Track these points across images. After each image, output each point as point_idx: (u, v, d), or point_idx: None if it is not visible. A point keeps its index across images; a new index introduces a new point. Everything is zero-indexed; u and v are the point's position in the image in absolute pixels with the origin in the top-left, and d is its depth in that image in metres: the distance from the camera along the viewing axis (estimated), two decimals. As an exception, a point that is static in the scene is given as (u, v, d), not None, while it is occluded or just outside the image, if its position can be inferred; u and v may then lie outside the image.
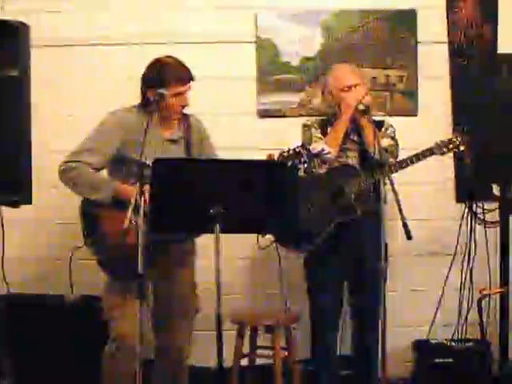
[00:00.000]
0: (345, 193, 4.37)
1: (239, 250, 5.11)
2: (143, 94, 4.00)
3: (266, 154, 4.09)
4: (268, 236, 4.44)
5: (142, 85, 4.01)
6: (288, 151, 3.68)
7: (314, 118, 4.68)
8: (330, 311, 4.52)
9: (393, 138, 4.49)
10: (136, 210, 3.43)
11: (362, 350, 4.59)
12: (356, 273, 4.50)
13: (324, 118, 4.66)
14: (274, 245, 4.62)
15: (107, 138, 3.93)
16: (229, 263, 4.98)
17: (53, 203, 5.07)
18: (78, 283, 4.95)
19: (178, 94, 3.93)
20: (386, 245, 3.82)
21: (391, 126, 4.56)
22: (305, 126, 4.60)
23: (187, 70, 3.98)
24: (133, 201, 3.38)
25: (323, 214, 4.40)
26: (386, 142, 4.40)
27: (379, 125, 4.40)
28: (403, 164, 4.34)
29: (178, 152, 4.06)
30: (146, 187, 3.45)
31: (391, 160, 4.38)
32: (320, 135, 4.51)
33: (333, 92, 4.51)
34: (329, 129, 4.51)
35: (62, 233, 5.09)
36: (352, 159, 4.48)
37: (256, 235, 4.50)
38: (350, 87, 4.43)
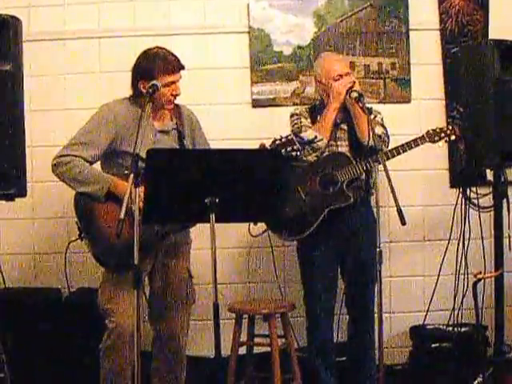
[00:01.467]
0: (337, 180, 4.39)
1: (235, 240, 5.13)
2: (134, 85, 4.01)
3: (260, 143, 4.10)
4: (260, 224, 4.47)
5: (133, 76, 4.02)
6: (281, 139, 3.69)
7: (302, 107, 4.69)
8: (324, 298, 4.53)
9: (382, 125, 4.50)
10: (131, 201, 3.45)
11: (357, 337, 4.60)
12: (349, 261, 4.52)
13: (311, 106, 4.68)
14: (267, 233, 4.64)
15: (100, 131, 3.94)
16: (225, 253, 5.03)
17: (48, 197, 5.08)
18: (74, 276, 4.98)
19: (169, 83, 3.94)
20: (379, 232, 3.84)
21: (379, 112, 4.58)
22: (294, 114, 4.60)
23: (177, 59, 4.00)
24: (127, 192, 3.38)
25: (316, 201, 4.42)
26: (379, 130, 4.42)
27: (367, 112, 4.40)
28: (395, 152, 4.37)
29: (170, 143, 4.08)
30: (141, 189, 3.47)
31: (383, 147, 4.40)
32: (310, 124, 4.52)
33: (323, 81, 4.51)
34: (318, 117, 4.52)
35: (58, 227, 5.10)
36: (343, 147, 4.49)
37: (248, 223, 4.52)
38: (341, 76, 4.44)
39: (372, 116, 4.47)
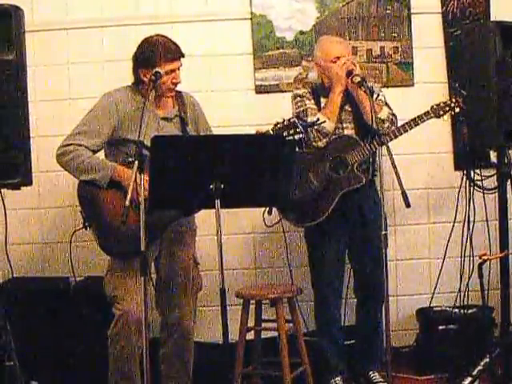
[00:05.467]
0: (347, 163, 4.40)
1: (241, 226, 5.15)
2: (136, 73, 4.02)
3: (264, 129, 4.09)
4: (274, 214, 4.48)
5: (133, 65, 4.03)
6: (282, 122, 3.69)
7: (305, 89, 4.69)
8: (332, 281, 4.55)
9: (387, 104, 4.51)
10: (136, 188, 3.47)
11: (366, 320, 4.62)
12: (357, 243, 4.55)
13: (311, 87, 4.68)
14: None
15: (102, 120, 3.95)
16: (231, 239, 5.04)
17: (54, 187, 5.10)
18: (81, 265, 5.00)
19: (169, 71, 3.94)
20: (384, 215, 3.85)
21: (380, 90, 4.59)
22: (297, 96, 4.60)
23: (177, 47, 4.00)
24: (132, 180, 3.40)
25: (328, 185, 4.43)
26: (384, 113, 4.43)
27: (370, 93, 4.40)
28: (401, 130, 4.38)
29: (173, 130, 4.08)
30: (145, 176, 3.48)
31: (392, 128, 4.41)
32: (315, 106, 4.52)
33: (322, 64, 4.52)
34: (321, 99, 4.53)
35: (64, 216, 5.13)
36: (349, 130, 4.50)
37: (262, 212, 4.53)
38: (338, 58, 4.44)
39: (375, 95, 4.46)
